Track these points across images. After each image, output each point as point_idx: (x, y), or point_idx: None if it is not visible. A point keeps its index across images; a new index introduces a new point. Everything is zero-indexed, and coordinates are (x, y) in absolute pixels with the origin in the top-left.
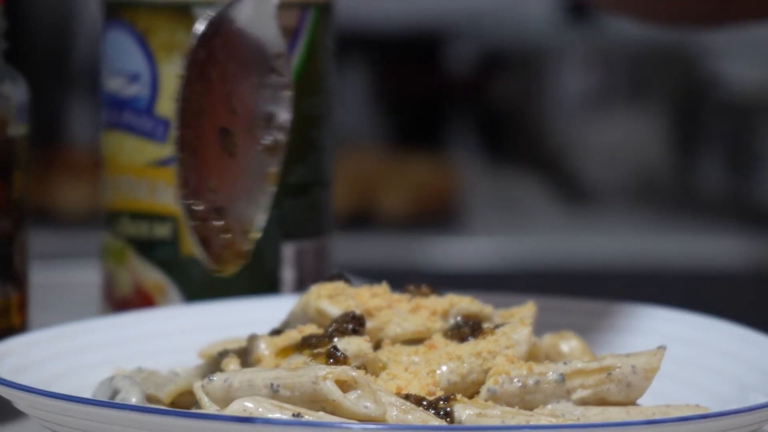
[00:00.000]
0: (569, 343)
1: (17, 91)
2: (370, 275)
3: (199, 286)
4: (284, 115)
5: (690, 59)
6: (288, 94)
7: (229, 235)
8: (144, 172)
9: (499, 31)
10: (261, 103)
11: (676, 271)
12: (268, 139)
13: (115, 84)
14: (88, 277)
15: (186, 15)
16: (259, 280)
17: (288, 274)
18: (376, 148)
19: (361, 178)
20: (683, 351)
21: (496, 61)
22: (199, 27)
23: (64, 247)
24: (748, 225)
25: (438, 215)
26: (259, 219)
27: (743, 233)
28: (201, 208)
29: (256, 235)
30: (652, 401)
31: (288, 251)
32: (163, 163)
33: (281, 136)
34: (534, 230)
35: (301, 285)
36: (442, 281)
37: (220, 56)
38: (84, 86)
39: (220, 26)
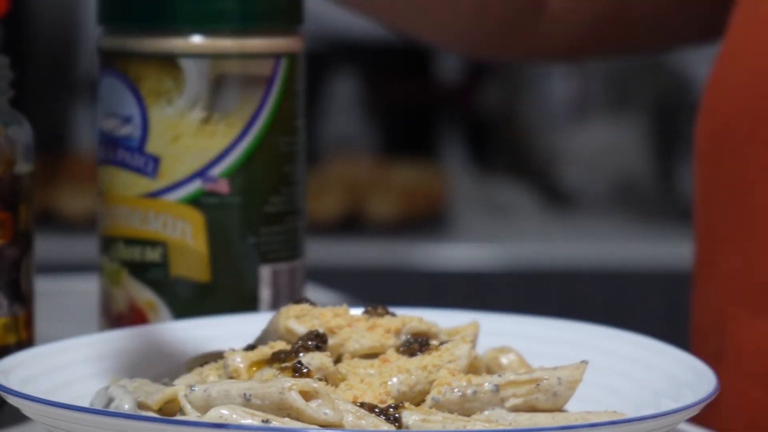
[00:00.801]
0: (508, 357)
1: (22, 134)
2: (360, 278)
3: (186, 305)
4: None
5: (669, 66)
6: None
7: None
8: (136, 202)
9: None
10: None
11: (656, 274)
12: None
13: (110, 125)
14: (89, 285)
15: (172, 65)
16: (239, 299)
17: (265, 293)
18: (366, 154)
19: (351, 183)
20: (609, 361)
21: (482, 70)
22: None
23: (67, 251)
24: None
25: (426, 220)
26: None
27: None
28: None
29: None
30: (582, 406)
31: (265, 273)
32: (152, 195)
33: None
34: (519, 235)
35: (277, 303)
36: (429, 284)
37: None
38: (87, 96)
39: None
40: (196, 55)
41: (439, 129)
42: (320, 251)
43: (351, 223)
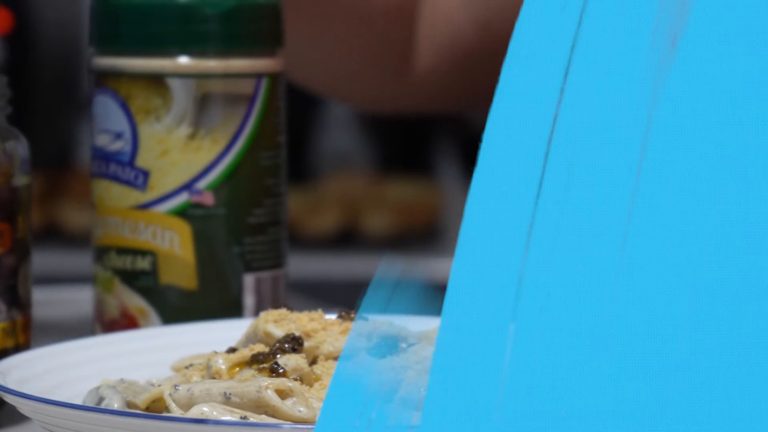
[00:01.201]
0: None
1: (20, 148)
2: (356, 292)
3: (175, 311)
4: None
5: None
6: None
7: None
8: (127, 214)
9: None
10: None
11: None
12: None
13: (102, 140)
14: (86, 294)
15: (160, 84)
16: (225, 305)
17: (249, 300)
18: (362, 170)
19: (347, 199)
20: None
21: None
22: None
23: (70, 264)
24: None
25: (422, 235)
26: None
27: None
28: None
29: None
30: None
31: (249, 281)
32: (143, 206)
33: None
34: None
35: (261, 309)
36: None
37: None
38: (90, 114)
39: None
40: (183, 75)
41: (434, 144)
42: (317, 266)
43: (347, 239)
